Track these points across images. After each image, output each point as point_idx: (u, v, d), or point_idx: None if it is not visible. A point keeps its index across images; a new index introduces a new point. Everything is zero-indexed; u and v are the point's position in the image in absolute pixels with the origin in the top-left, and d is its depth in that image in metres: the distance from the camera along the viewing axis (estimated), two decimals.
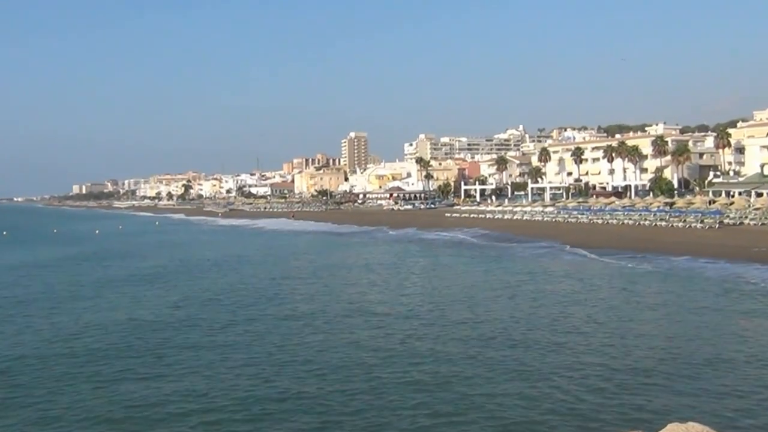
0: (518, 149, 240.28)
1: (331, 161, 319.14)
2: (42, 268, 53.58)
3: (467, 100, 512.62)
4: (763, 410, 16.76)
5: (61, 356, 23.46)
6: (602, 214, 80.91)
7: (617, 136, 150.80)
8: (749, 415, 16.35)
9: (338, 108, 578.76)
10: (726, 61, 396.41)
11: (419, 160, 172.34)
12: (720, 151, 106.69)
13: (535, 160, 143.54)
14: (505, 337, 25.29)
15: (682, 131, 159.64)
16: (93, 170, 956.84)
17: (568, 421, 16.27)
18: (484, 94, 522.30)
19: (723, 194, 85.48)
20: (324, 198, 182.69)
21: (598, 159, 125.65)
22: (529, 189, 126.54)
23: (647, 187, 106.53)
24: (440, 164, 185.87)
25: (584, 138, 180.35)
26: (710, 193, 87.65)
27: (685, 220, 67.78)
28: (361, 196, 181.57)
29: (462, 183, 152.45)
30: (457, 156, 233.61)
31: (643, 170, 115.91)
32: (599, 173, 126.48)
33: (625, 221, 74.23)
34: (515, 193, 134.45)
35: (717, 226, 63.51)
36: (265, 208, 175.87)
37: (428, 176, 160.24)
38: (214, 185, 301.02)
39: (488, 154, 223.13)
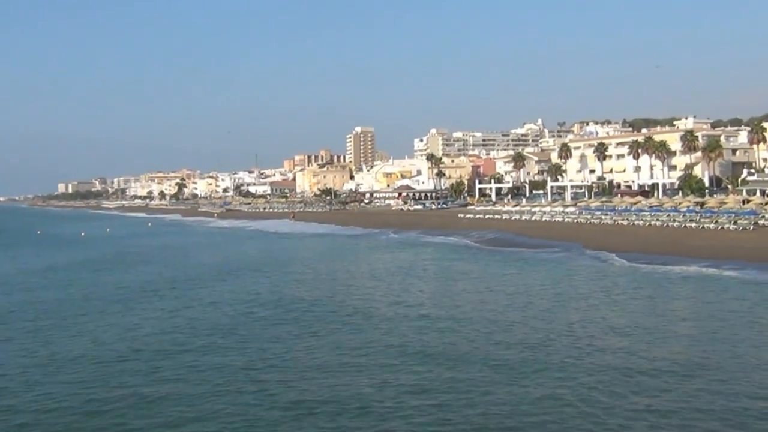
0: (537, 145, 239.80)
1: (335, 158, 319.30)
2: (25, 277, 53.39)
3: (482, 92, 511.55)
4: None
5: None
6: (627, 214, 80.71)
7: (643, 130, 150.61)
8: None
9: (343, 101, 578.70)
10: (761, 50, 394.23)
11: (430, 157, 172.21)
12: (754, 146, 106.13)
13: (554, 157, 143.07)
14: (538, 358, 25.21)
15: (714, 125, 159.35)
16: (80, 168, 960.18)
17: None
18: (499, 86, 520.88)
19: (758, 193, 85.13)
20: (328, 198, 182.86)
21: (622, 155, 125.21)
22: (548, 188, 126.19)
23: (676, 186, 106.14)
24: (453, 161, 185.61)
25: (608, 133, 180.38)
26: (744, 192, 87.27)
27: (716, 221, 67.52)
28: (367, 195, 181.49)
29: (476, 181, 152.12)
30: (470, 152, 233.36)
31: (672, 167, 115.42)
32: (624, 171, 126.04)
33: (653, 222, 74.00)
34: (533, 192, 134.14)
35: (752, 227, 63.26)
36: (264, 208, 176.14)
37: (440, 174, 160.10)
38: (210, 184, 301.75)
39: (504, 150, 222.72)
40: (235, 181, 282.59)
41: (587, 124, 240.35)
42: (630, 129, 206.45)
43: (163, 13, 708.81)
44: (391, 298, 38.16)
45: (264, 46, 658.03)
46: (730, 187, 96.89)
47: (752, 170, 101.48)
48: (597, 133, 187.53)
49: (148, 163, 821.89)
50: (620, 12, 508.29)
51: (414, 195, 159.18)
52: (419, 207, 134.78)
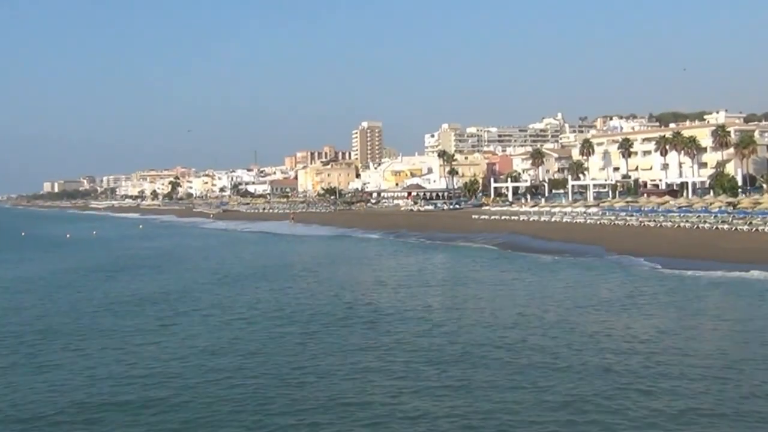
0: (556, 141, 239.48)
1: (340, 155, 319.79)
2: None
3: (497, 84, 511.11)
4: None
5: None
6: (654, 215, 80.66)
7: (671, 125, 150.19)
8: None
9: (348, 93, 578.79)
10: None
11: (442, 154, 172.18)
12: None
13: (576, 154, 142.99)
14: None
15: (747, 120, 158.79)
16: (67, 166, 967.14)
17: None
18: (516, 77, 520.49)
19: None
20: (332, 197, 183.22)
21: (649, 152, 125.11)
22: (569, 187, 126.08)
23: (707, 185, 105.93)
24: (466, 158, 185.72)
25: (633, 128, 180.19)
26: None
27: (751, 223, 67.39)
28: (374, 195, 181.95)
29: (491, 180, 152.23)
30: (485, 149, 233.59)
31: (702, 165, 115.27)
32: (651, 168, 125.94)
33: (681, 224, 73.87)
34: (553, 191, 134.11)
35: None
36: (264, 208, 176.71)
37: (452, 172, 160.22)
38: (206, 183, 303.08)
39: (522, 146, 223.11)
40: (232, 179, 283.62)
41: (611, 119, 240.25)
42: (657, 124, 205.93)
43: (156, 1, 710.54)
44: (419, 315, 36.45)
45: (263, 34, 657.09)
46: (765, 186, 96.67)
47: None
48: (621, 128, 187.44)
49: (140, 161, 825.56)
50: None
51: (424, 195, 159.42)
52: (430, 207, 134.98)
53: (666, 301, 37.30)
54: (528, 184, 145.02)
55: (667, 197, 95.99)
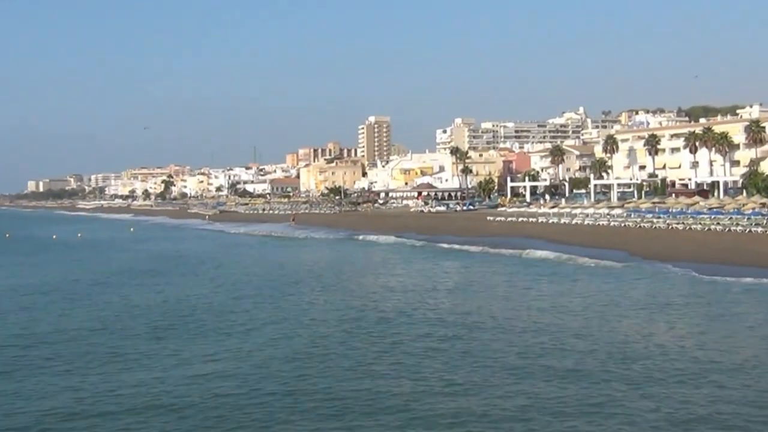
0: (578, 137, 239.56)
1: (345, 152, 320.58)
2: None
3: (514, 75, 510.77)
4: None
5: None
6: (683, 217, 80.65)
7: (702, 120, 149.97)
8: None
9: (354, 86, 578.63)
10: None
11: (455, 151, 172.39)
12: None
13: (599, 151, 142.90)
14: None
15: None
16: (52, 164, 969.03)
17: None
18: (534, 69, 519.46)
19: None
20: (336, 197, 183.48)
21: (677, 149, 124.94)
22: (591, 186, 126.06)
23: (739, 184, 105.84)
24: (481, 156, 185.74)
25: (660, 123, 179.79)
26: None
27: None
28: (382, 195, 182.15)
29: (508, 179, 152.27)
30: (501, 145, 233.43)
31: (734, 163, 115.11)
32: (679, 167, 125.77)
33: (712, 227, 73.90)
34: (574, 191, 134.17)
35: None
36: (263, 209, 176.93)
37: (466, 171, 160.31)
38: (202, 182, 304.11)
39: (540, 143, 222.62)
40: (230, 178, 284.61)
41: (636, 113, 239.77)
42: (686, 119, 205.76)
43: None
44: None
45: (262, 22, 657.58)
46: None
47: None
48: (648, 123, 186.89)
49: (131, 158, 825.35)
50: None
51: (436, 195, 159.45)
52: (442, 208, 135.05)
53: (693, 309, 37.68)
54: (547, 183, 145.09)
55: (696, 198, 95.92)
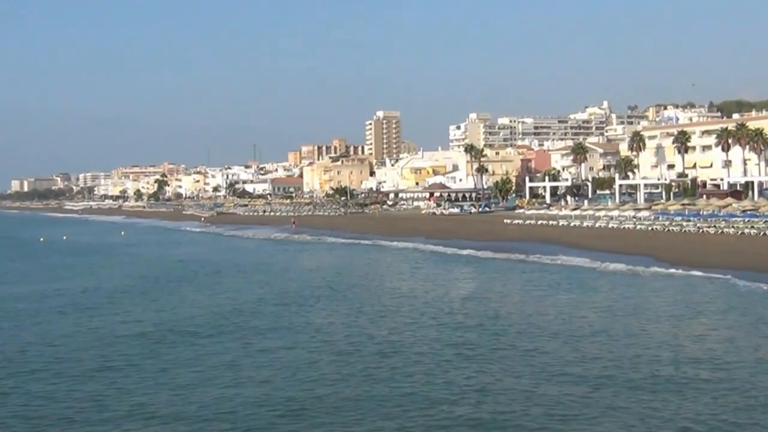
0: (602, 134, 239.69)
1: (351, 149, 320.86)
2: None
3: (533, 68, 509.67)
4: None
5: None
6: (715, 220, 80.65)
7: (735, 116, 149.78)
8: None
9: (362, 78, 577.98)
10: None
11: (469, 149, 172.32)
12: None
13: (624, 149, 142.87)
14: None
15: None
16: (38, 162, 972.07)
17: None
18: (555, 61, 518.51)
19: None
20: (342, 198, 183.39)
21: (709, 147, 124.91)
22: (616, 187, 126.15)
23: None
24: (497, 154, 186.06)
25: (691, 119, 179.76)
26: None
27: None
28: (391, 196, 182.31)
29: (526, 179, 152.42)
30: (519, 143, 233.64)
31: None
32: (711, 166, 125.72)
33: (746, 230, 73.95)
34: (598, 192, 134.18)
35: None
36: (264, 211, 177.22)
37: (481, 170, 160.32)
38: (197, 181, 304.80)
39: (561, 140, 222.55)
40: (228, 177, 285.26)
41: (665, 108, 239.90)
42: (718, 114, 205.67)
43: None
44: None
45: (262, 11, 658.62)
46: None
47: None
48: (677, 119, 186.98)
49: (121, 156, 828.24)
50: None
51: (449, 196, 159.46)
52: (456, 210, 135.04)
53: (726, 319, 37.92)
54: (568, 183, 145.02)
55: (729, 199, 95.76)
